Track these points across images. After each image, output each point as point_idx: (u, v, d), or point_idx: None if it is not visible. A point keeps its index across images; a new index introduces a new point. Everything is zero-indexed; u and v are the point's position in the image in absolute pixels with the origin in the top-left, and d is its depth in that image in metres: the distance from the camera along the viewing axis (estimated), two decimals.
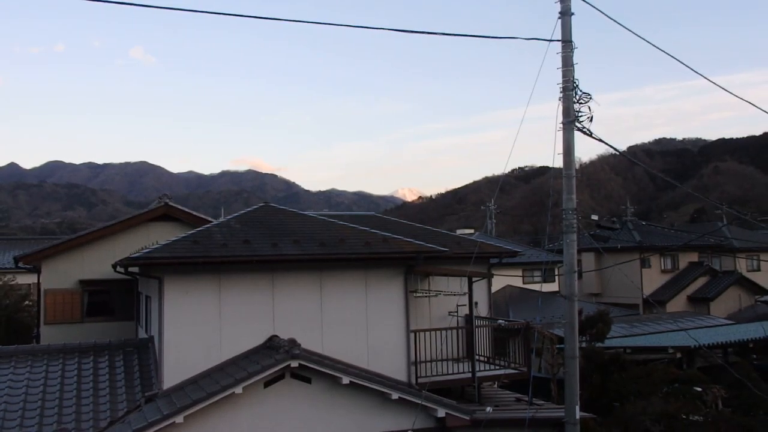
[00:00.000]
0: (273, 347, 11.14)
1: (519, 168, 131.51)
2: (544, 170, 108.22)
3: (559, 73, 10.81)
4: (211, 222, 14.92)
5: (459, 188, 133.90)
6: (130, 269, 12.15)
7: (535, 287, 28.88)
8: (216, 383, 10.12)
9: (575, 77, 10.74)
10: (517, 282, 29.25)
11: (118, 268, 12.58)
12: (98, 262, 16.06)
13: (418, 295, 14.22)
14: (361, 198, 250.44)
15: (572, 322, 10.92)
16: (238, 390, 9.89)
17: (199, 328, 11.35)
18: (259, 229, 12.75)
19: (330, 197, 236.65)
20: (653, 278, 35.33)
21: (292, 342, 10.59)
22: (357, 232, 13.35)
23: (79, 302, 15.93)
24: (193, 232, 12.59)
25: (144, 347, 12.80)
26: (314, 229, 13.21)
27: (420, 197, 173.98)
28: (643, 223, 41.12)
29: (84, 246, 16.34)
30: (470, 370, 13.09)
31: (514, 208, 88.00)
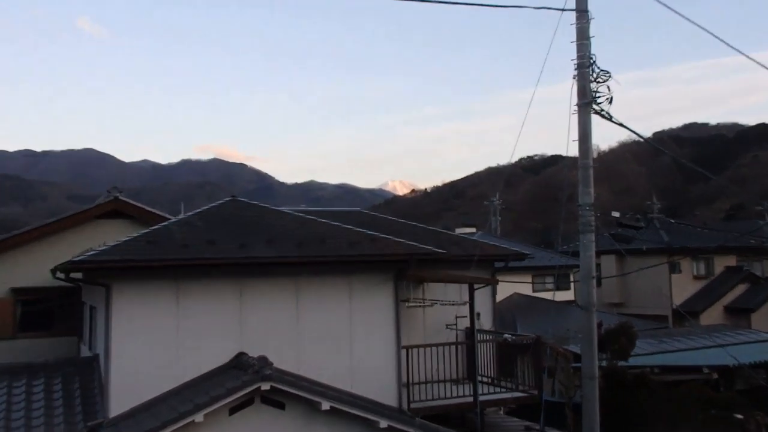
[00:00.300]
0: (240, 366, 11.14)
1: (527, 157, 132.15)
2: (556, 160, 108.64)
3: (574, 47, 10.84)
4: (170, 219, 14.90)
5: (458, 181, 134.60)
6: (72, 275, 12.08)
7: (547, 296, 29.01)
8: (173, 410, 10.09)
9: (592, 52, 10.77)
10: (526, 289, 29.42)
11: (58, 274, 12.52)
12: (35, 267, 15.84)
13: (410, 304, 14.31)
14: (345, 191, 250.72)
15: (590, 336, 10.96)
16: (199, 418, 9.83)
17: (153, 344, 11.38)
18: (226, 228, 12.91)
19: (309, 190, 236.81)
20: (684, 285, 35.46)
21: (263, 360, 10.56)
22: (340, 230, 13.50)
23: (10, 314, 15.78)
24: (147, 231, 12.68)
25: (87, 367, 12.68)
26: (290, 228, 13.34)
27: (413, 191, 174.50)
28: (672, 221, 41.30)
29: (18, 248, 16.21)
30: (472, 393, 13.15)
31: (521, 204, 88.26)
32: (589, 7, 10.70)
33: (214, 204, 14.45)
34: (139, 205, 17.54)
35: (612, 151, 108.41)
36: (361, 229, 13.86)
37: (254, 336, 11.99)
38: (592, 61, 10.81)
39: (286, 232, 13.02)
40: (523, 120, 12.26)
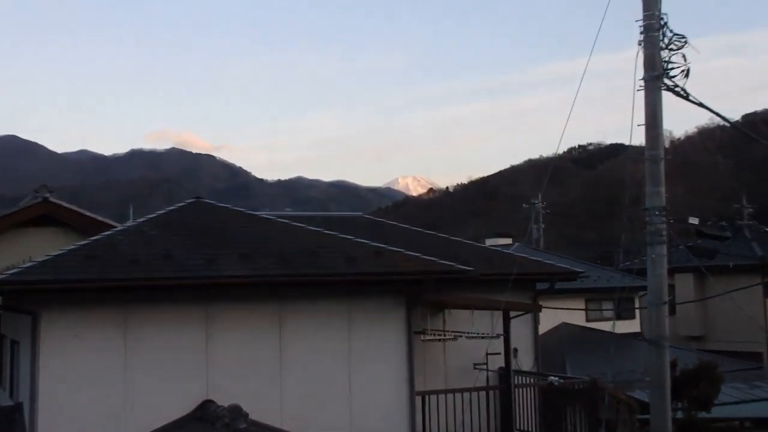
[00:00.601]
0: (206, 418, 11.14)
1: (579, 147, 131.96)
2: (616, 150, 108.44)
3: (639, 4, 10.83)
4: (115, 227, 14.87)
5: (489, 177, 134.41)
6: None
7: (605, 326, 28.58)
8: None
9: (662, 11, 10.77)
10: (578, 318, 29.31)
11: None
12: None
13: (427, 338, 14.45)
14: (342, 191, 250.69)
15: (662, 379, 10.94)
16: None
17: (93, 388, 11.35)
18: (188, 238, 13.05)
19: (295, 190, 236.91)
20: None
21: (236, 410, 10.55)
22: (335, 241, 13.67)
23: None
24: (86, 242, 12.71)
25: (7, 420, 12.57)
26: (271, 238, 13.52)
27: (430, 190, 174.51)
28: (767, 229, 41.11)
29: None
30: None
31: (571, 207, 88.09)
32: None
33: (172, 207, 14.52)
34: (76, 208, 17.68)
35: (689, 139, 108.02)
36: (363, 240, 13.94)
37: (224, 378, 12.03)
38: (663, 22, 10.81)
39: (265, 244, 13.15)
40: (573, 99, 12.18)
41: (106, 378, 11.44)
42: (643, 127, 10.98)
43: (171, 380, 11.77)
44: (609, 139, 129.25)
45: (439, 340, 14.61)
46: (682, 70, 10.76)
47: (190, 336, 12.04)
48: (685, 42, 10.67)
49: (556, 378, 14.84)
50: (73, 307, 11.40)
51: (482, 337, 14.56)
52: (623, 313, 31.82)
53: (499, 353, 14.60)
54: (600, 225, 79.08)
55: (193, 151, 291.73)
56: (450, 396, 13.43)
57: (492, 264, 16.13)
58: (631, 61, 10.92)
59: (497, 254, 17.67)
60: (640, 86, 10.96)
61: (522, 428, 13.91)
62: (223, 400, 11.50)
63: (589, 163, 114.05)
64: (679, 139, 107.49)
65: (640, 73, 10.99)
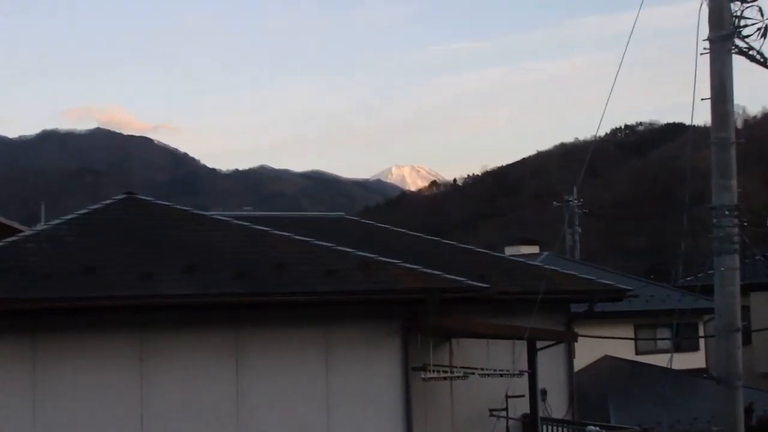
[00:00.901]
0: None
1: (625, 128, 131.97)
2: (673, 132, 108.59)
3: None
4: (22, 232, 15.01)
5: (508, 167, 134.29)
6: None
7: (660, 360, 28.48)
8: None
9: None
10: (625, 350, 29.06)
11: None
12: None
13: (429, 375, 14.25)
14: (319, 184, 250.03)
15: (734, 429, 10.94)
16: None
17: None
18: (117, 246, 13.10)
19: (259, 183, 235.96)
20: None
21: None
22: (309, 250, 13.78)
23: None
24: None
25: None
26: (227, 245, 13.60)
27: (433, 184, 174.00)
28: None
29: None
30: None
31: (616, 206, 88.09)
32: None
33: (97, 205, 14.43)
34: None
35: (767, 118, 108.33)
36: (346, 248, 13.91)
37: (164, 425, 11.98)
38: None
39: (218, 254, 13.21)
40: (617, 66, 12.09)
41: (8, 428, 11.34)
42: (708, 103, 10.99)
43: (94, 429, 11.68)
44: (664, 118, 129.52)
45: (445, 378, 14.41)
46: (759, 28, 10.78)
47: (119, 372, 12.11)
48: None
49: (597, 428, 14.78)
50: None
51: (501, 375, 14.39)
52: (683, 343, 31.73)
53: (522, 396, 14.59)
54: (652, 228, 78.99)
55: (124, 133, 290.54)
56: None
57: (513, 279, 16.08)
58: (693, 16, 10.92)
59: (520, 266, 17.57)
60: (705, 49, 10.96)
61: None
62: None
63: (639, 149, 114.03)
64: (754, 117, 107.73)
65: (705, 32, 11.01)
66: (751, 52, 10.89)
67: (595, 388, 24.78)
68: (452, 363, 14.59)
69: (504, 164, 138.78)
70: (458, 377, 14.43)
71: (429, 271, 13.66)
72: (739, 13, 10.83)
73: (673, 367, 20.25)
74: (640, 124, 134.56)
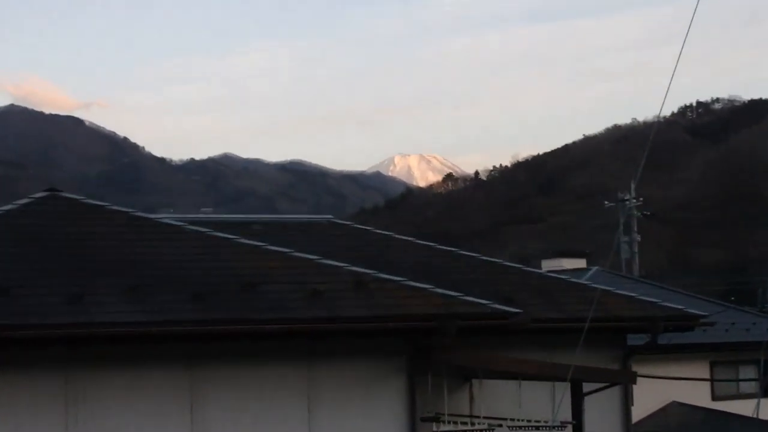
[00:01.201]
0: None
1: (697, 106, 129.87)
2: (759, 111, 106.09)
3: None
4: None
5: (545, 156, 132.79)
6: None
7: (743, 407, 27.72)
8: None
9: None
10: (699, 394, 28.56)
11: None
12: None
13: (443, 428, 13.43)
14: (300, 178, 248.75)
15: None
16: None
17: None
18: (37, 259, 12.85)
19: (221, 176, 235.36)
20: None
21: None
22: (287, 264, 13.48)
23: None
24: None
25: None
26: (178, 258, 13.36)
27: (448, 177, 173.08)
28: None
29: None
30: None
31: (685, 206, 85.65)
32: None
33: (9, 206, 14.06)
34: None
35: None
36: (336, 262, 13.51)
37: None
38: None
39: (170, 270, 12.79)
40: (686, 30, 9.39)
41: None
42: None
43: None
44: (748, 93, 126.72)
45: (465, 430, 13.52)
46: None
47: (44, 422, 11.61)
48: None
49: None
50: None
51: (537, 429, 13.63)
52: None
53: None
54: (732, 235, 75.48)
55: (46, 111, 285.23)
56: None
57: (552, 303, 15.27)
58: None
59: (561, 286, 16.72)
60: None
61: None
62: None
63: (715, 133, 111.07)
64: None
65: None
66: None
67: None
68: (473, 412, 14.02)
69: (540, 153, 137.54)
70: (482, 431, 13.78)
71: (443, 291, 13.01)
72: None
73: (760, 417, 18.71)
74: (717, 100, 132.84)
